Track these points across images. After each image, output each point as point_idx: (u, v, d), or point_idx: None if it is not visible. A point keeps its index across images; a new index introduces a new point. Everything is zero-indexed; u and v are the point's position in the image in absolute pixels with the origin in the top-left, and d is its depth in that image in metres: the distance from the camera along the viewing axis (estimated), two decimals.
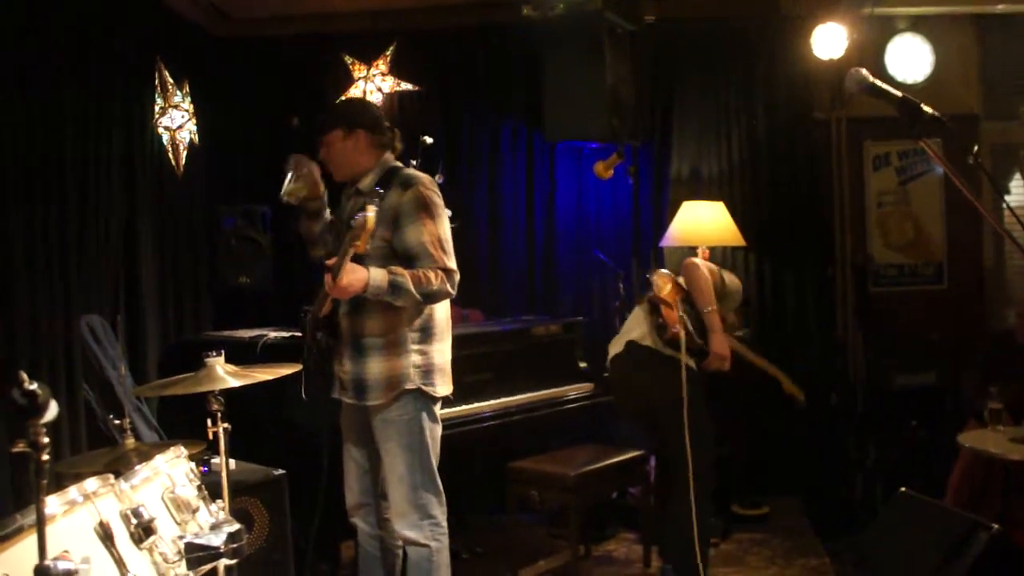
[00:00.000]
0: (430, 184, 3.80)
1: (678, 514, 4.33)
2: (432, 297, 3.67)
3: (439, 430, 3.89)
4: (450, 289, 3.68)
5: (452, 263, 3.71)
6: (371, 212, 3.31)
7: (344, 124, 3.85)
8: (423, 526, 3.77)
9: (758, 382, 6.19)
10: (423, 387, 3.75)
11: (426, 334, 3.79)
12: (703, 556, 4.34)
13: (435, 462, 3.85)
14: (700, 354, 4.59)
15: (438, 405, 3.87)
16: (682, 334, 4.40)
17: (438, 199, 3.78)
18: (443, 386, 3.85)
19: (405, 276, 3.59)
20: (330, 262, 3.52)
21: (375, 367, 3.74)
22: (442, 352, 3.86)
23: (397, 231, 3.69)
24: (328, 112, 4.02)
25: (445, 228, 3.77)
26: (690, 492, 4.25)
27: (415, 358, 3.75)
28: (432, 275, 3.62)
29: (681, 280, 4.73)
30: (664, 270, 4.83)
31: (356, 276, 3.53)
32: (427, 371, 3.77)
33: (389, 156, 3.92)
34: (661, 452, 4.87)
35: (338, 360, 3.85)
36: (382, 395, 3.73)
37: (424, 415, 3.77)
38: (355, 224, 3.32)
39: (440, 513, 3.84)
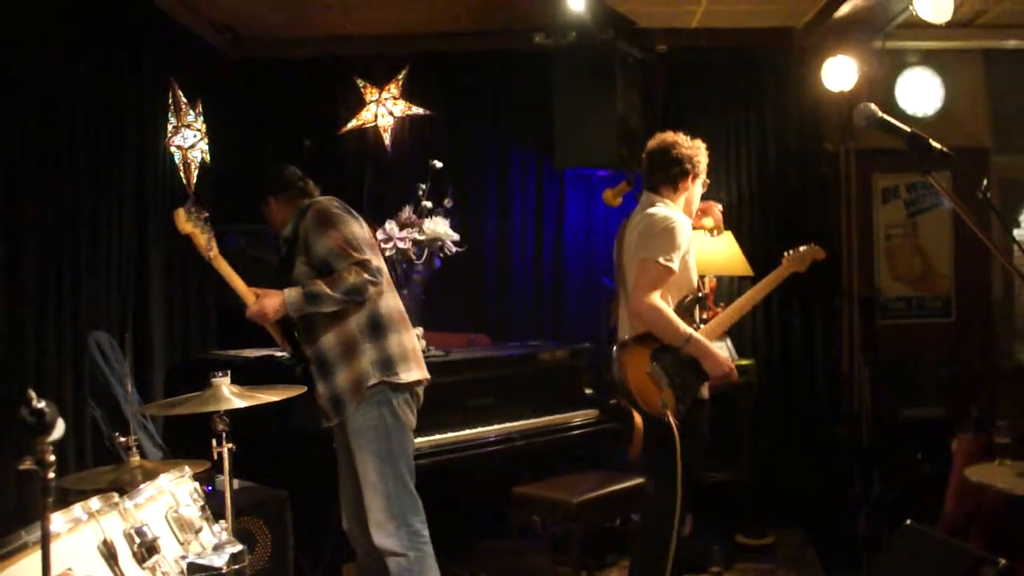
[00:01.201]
0: (327, 201, 4.06)
1: (643, 549, 4.19)
2: (354, 291, 3.83)
3: (408, 434, 3.98)
4: (368, 278, 3.84)
5: (365, 255, 3.89)
6: (176, 214, 3.66)
7: (260, 198, 4.22)
8: (400, 535, 3.84)
9: (765, 413, 6.22)
10: (385, 379, 3.87)
11: (377, 329, 3.94)
12: None
13: (409, 470, 3.94)
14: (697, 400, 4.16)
15: (403, 400, 3.95)
16: (671, 417, 3.92)
17: (336, 209, 4.00)
18: (407, 372, 3.95)
19: (318, 283, 3.81)
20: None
21: (342, 378, 3.88)
22: (399, 343, 3.98)
23: (309, 252, 3.92)
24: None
25: (350, 229, 3.95)
26: (656, 528, 4.03)
27: (371, 354, 3.89)
28: (346, 272, 3.82)
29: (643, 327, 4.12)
30: (621, 353, 4.14)
31: (269, 300, 3.83)
32: (386, 363, 3.90)
33: (304, 202, 4.13)
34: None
35: (313, 390, 3.96)
36: (353, 401, 3.86)
37: (388, 420, 3.87)
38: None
39: (419, 522, 3.91)
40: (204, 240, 3.71)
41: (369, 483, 3.85)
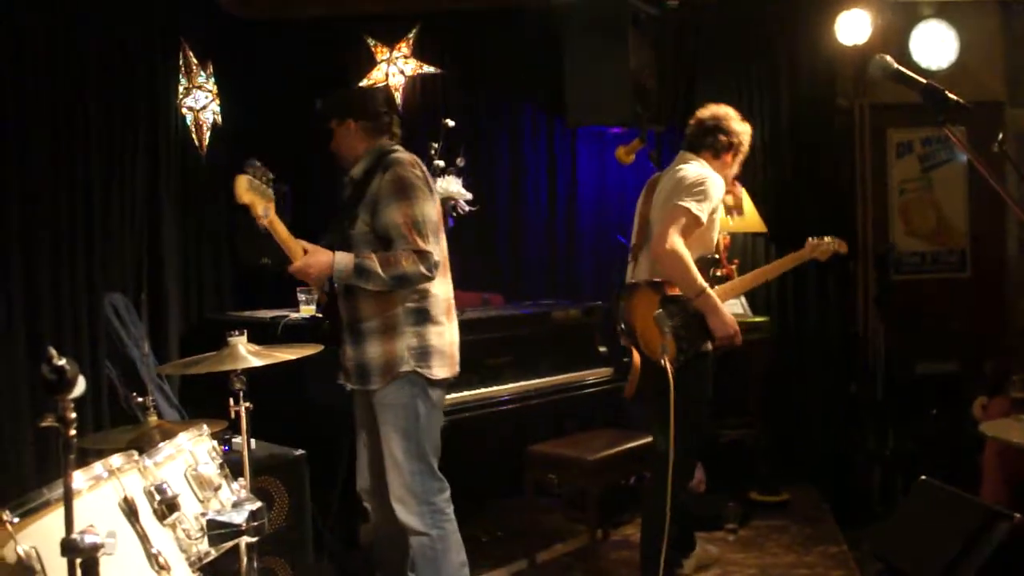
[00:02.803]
0: (411, 165, 3.76)
1: (653, 504, 4.21)
2: (404, 280, 3.62)
3: (438, 417, 3.86)
4: (424, 271, 3.61)
5: (428, 245, 3.65)
6: (238, 181, 3.42)
7: (336, 114, 3.91)
8: (423, 513, 3.74)
9: (779, 370, 6.23)
10: (418, 369, 3.71)
11: (422, 316, 3.75)
12: (674, 545, 4.25)
13: (434, 451, 3.81)
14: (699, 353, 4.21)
15: (437, 390, 3.82)
16: (667, 363, 3.98)
17: (418, 180, 3.72)
18: (441, 368, 3.78)
19: (372, 259, 3.60)
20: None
21: (373, 351, 3.73)
22: (440, 335, 3.80)
23: (376, 215, 3.68)
24: (323, 103, 4.00)
25: (423, 209, 3.69)
26: (666, 484, 4.08)
27: (410, 340, 3.72)
28: (403, 257, 3.60)
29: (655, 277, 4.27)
30: (631, 295, 4.32)
31: (315, 258, 3.61)
32: (423, 353, 3.73)
33: (385, 141, 3.90)
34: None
35: (341, 347, 3.86)
36: (380, 379, 3.72)
37: (419, 401, 3.73)
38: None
39: (442, 500, 3.81)
40: (261, 208, 3.48)
41: (392, 458, 3.75)
